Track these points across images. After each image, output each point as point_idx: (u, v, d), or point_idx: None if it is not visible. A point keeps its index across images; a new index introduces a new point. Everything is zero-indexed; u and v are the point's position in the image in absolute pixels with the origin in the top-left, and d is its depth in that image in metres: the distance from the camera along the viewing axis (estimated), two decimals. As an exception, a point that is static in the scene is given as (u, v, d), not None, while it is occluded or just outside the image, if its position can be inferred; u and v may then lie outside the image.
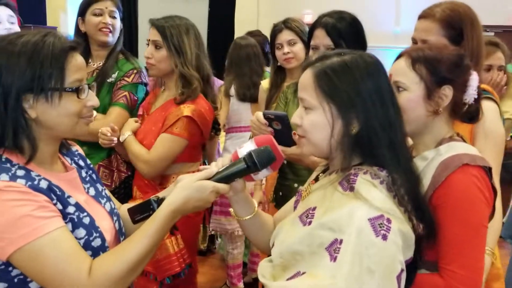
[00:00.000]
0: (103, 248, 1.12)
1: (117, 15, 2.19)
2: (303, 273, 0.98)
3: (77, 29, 2.20)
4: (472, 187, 1.17)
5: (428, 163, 1.23)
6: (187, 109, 1.82)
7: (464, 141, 1.30)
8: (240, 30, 6.88)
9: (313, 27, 1.83)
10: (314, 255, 0.97)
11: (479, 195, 1.17)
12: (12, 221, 0.98)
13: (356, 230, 0.94)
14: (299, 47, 2.20)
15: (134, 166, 1.93)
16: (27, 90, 1.04)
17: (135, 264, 1.05)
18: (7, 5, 2.33)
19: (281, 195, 2.08)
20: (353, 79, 1.03)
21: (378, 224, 0.95)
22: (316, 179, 1.19)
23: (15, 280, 1.04)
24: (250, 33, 3.68)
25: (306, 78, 1.07)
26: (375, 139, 1.03)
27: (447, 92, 1.24)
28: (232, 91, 3.08)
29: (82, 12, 2.16)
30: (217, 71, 3.49)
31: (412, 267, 1.07)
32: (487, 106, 1.45)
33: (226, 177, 1.11)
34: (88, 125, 1.16)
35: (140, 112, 2.10)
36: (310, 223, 1.02)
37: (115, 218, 1.25)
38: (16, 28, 2.32)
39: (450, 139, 1.27)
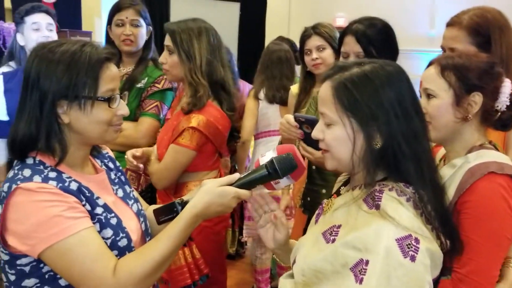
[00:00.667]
0: (129, 248, 1.15)
1: (141, 22, 2.21)
2: None
3: (107, 37, 2.27)
4: (496, 196, 1.16)
5: (456, 170, 1.23)
6: (194, 120, 1.77)
7: (497, 149, 1.28)
8: (271, 34, 6.89)
9: (343, 33, 1.82)
10: (338, 275, 0.95)
11: (503, 204, 1.15)
12: (43, 220, 1.02)
13: (384, 250, 0.91)
14: (328, 53, 2.19)
15: None
16: (62, 97, 1.08)
17: (158, 264, 1.08)
18: (47, 12, 2.39)
19: (309, 200, 2.07)
20: (374, 90, 0.99)
21: (406, 244, 0.92)
22: (338, 193, 1.17)
23: (46, 276, 1.08)
24: (277, 39, 3.70)
25: (325, 91, 1.04)
26: (399, 153, 0.98)
27: (477, 99, 1.24)
28: (261, 94, 3.09)
29: (109, 21, 2.23)
30: (247, 75, 3.51)
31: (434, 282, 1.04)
32: None
33: (247, 183, 1.12)
34: (117, 132, 1.19)
35: (168, 116, 2.13)
36: (333, 240, 0.99)
37: (141, 219, 1.28)
38: (54, 36, 2.38)
39: (480, 146, 1.26)
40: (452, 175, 1.23)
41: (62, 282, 1.09)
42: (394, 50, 1.81)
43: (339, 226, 1.01)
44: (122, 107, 1.17)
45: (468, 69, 1.24)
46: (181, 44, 1.79)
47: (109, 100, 1.12)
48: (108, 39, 2.25)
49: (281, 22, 8.72)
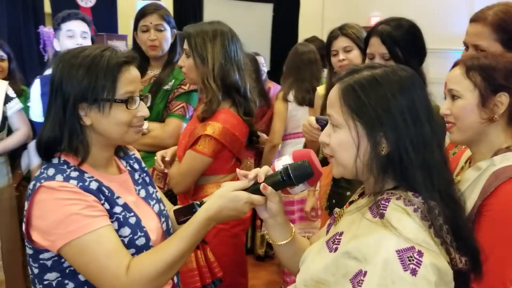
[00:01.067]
0: (147, 247, 1.18)
1: (165, 26, 2.26)
2: None
3: (134, 42, 2.33)
4: None
5: (481, 173, 1.21)
6: (209, 128, 1.77)
7: None
8: (304, 34, 6.87)
9: (369, 35, 1.80)
10: (338, 285, 0.92)
11: None
12: (62, 218, 1.06)
13: (382, 262, 0.87)
14: (354, 54, 2.17)
15: None
16: (83, 99, 1.12)
17: (170, 265, 1.10)
18: (83, 19, 2.45)
19: (334, 202, 2.06)
20: (383, 95, 0.95)
21: (407, 257, 0.86)
22: (352, 203, 1.13)
23: (67, 271, 1.12)
24: (307, 40, 3.69)
25: (334, 93, 1.01)
26: (406, 161, 0.94)
27: (503, 99, 1.22)
28: (290, 96, 3.08)
29: (135, 28, 2.30)
30: (280, 76, 3.53)
31: None
32: None
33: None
34: (139, 133, 1.22)
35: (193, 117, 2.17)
36: (336, 249, 0.96)
37: (163, 219, 1.31)
38: (87, 43, 2.43)
39: (507, 149, 1.24)
40: (476, 178, 1.21)
41: (81, 277, 1.12)
42: (421, 51, 1.77)
43: (341, 234, 0.98)
44: (142, 109, 1.19)
45: (494, 69, 1.22)
46: (195, 47, 1.79)
47: (126, 102, 1.15)
48: (136, 45, 2.32)
49: (315, 22, 8.67)
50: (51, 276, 1.13)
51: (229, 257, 1.87)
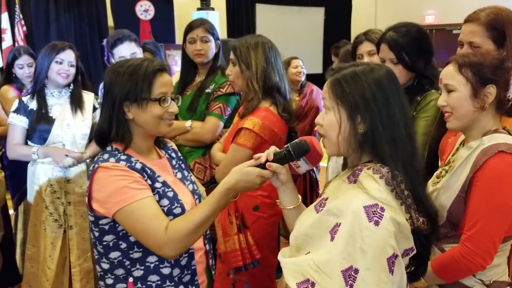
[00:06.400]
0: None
1: (209, 38, 2.55)
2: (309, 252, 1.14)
3: (184, 53, 2.64)
4: (504, 171, 1.33)
5: (472, 151, 1.40)
6: (249, 122, 2.00)
7: (510, 134, 1.40)
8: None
9: (379, 41, 1.97)
10: (321, 238, 1.12)
11: (509, 179, 1.31)
12: (116, 189, 1.35)
13: (352, 215, 1.06)
14: (377, 58, 2.28)
15: None
16: (126, 99, 1.41)
17: (198, 225, 1.35)
18: (129, 39, 2.75)
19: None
20: (361, 86, 1.15)
21: (372, 211, 1.06)
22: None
23: (120, 233, 1.41)
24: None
25: (326, 85, 1.22)
26: (377, 137, 1.13)
27: (491, 90, 1.39)
28: None
29: (184, 40, 2.60)
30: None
31: (421, 260, 1.20)
32: None
33: None
34: (170, 126, 1.48)
35: (234, 121, 2.42)
36: (321, 211, 1.16)
37: (196, 196, 1.58)
38: None
39: (494, 131, 1.41)
40: (468, 155, 1.41)
41: (132, 238, 1.40)
42: (426, 53, 1.93)
43: (326, 199, 1.19)
44: (172, 106, 1.46)
45: (483, 65, 1.40)
46: (241, 55, 2.07)
47: (159, 101, 1.42)
48: (185, 55, 2.62)
49: (368, 23, 8.66)
50: (108, 238, 1.41)
51: (265, 240, 2.11)
